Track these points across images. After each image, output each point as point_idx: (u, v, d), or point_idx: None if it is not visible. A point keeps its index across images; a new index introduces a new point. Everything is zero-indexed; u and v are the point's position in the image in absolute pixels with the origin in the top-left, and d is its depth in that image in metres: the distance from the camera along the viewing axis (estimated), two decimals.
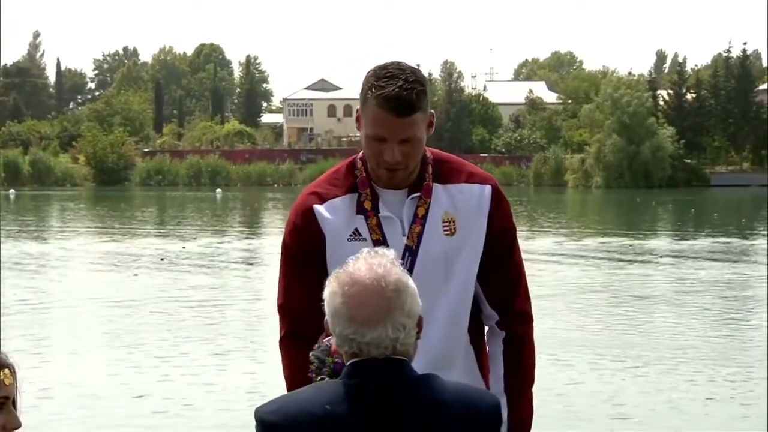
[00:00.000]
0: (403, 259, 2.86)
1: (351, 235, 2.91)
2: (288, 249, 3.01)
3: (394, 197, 2.93)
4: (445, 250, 2.90)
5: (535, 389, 2.88)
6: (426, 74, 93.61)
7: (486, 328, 3.09)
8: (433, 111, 2.94)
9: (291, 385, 2.96)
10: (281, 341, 3.04)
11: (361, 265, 2.35)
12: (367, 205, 2.93)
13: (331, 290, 2.37)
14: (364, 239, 2.89)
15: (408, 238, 2.90)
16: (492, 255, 2.95)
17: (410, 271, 2.77)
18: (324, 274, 2.88)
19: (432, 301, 2.80)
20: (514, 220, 3.08)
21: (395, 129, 2.81)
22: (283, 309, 3.03)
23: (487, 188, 2.98)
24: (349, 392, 2.31)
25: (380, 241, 2.89)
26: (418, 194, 2.92)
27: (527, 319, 3.03)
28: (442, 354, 2.88)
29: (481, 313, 3.04)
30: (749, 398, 9.19)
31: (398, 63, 2.88)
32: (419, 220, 2.91)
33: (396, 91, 2.79)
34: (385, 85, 2.81)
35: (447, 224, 2.92)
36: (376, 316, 2.31)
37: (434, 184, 2.95)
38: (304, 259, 2.96)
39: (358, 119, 2.92)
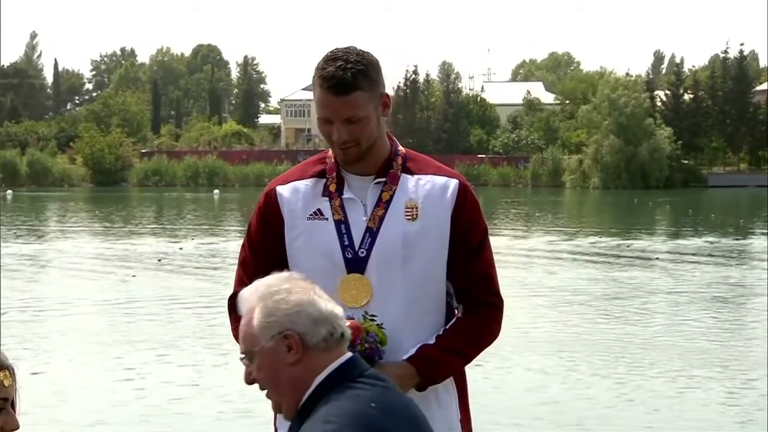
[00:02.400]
0: (363, 239, 2.95)
1: (312, 215, 2.99)
2: (249, 229, 3.11)
3: (360, 183, 3.00)
4: (404, 233, 2.94)
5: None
6: (424, 75, 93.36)
7: None
8: (387, 93, 2.98)
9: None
10: (232, 305, 3.07)
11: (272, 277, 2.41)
12: (332, 187, 3.00)
13: (267, 300, 2.30)
14: (326, 219, 2.97)
15: (370, 220, 2.96)
16: (460, 251, 2.99)
17: (369, 251, 2.92)
18: (282, 256, 3.02)
19: (389, 279, 2.92)
20: (489, 219, 3.16)
21: (336, 109, 2.89)
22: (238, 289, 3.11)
23: (454, 182, 3.02)
24: (386, 391, 2.30)
25: (342, 221, 2.96)
26: (384, 179, 2.99)
27: (492, 308, 3.03)
28: (400, 331, 2.92)
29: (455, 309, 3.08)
30: (749, 401, 9.08)
31: (348, 47, 2.96)
32: (383, 204, 2.97)
33: (333, 71, 2.87)
34: (326, 66, 2.90)
35: (409, 210, 2.97)
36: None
37: (402, 174, 3.01)
38: (264, 241, 3.05)
39: None
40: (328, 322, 2.29)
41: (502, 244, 24.34)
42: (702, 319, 13.77)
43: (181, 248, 24.78)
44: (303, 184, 3.04)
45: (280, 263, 3.01)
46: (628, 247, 25.21)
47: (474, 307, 3.00)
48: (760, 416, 8.44)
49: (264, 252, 3.04)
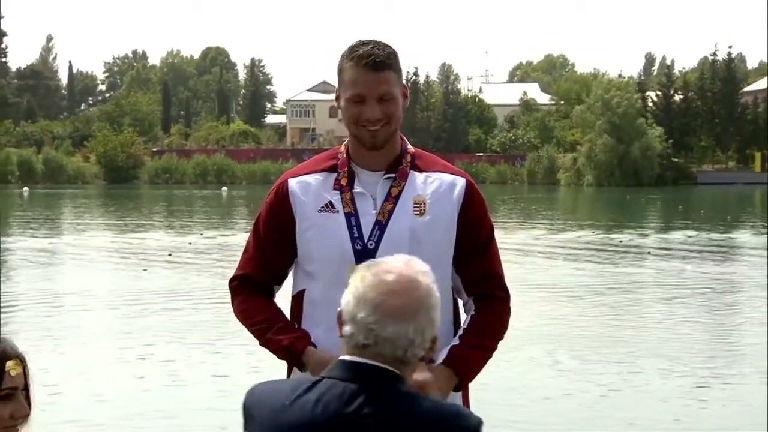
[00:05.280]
0: (372, 232, 2.95)
1: (323, 207, 2.98)
2: (258, 219, 3.10)
3: (370, 177, 3.00)
4: (413, 228, 2.94)
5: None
6: (424, 77, 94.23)
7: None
8: (406, 84, 3.05)
9: (251, 319, 3.06)
10: (233, 287, 3.14)
11: (399, 260, 2.25)
12: (344, 181, 2.99)
13: (360, 274, 2.23)
14: (336, 211, 2.96)
15: (379, 213, 2.95)
16: (468, 247, 3.01)
17: (377, 243, 2.93)
18: (288, 249, 3.04)
19: None
20: (491, 216, 3.12)
21: (372, 85, 2.90)
22: (239, 276, 3.13)
23: (461, 180, 3.03)
24: (327, 389, 2.15)
25: (352, 214, 2.95)
26: (393, 175, 2.99)
27: (502, 302, 3.07)
28: None
29: (463, 305, 3.11)
30: (745, 397, 8.72)
31: (369, 39, 3.01)
32: (392, 199, 2.97)
33: (368, 50, 2.92)
34: (359, 49, 2.94)
35: (417, 205, 2.97)
36: (404, 310, 2.16)
37: (411, 171, 3.02)
38: (269, 231, 3.05)
39: (337, 98, 3.01)
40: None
41: (499, 239, 23.88)
42: (692, 311, 13.56)
43: (190, 243, 24.71)
44: (314, 178, 3.02)
45: (283, 253, 3.05)
46: (620, 242, 25.21)
47: (486, 302, 3.03)
48: (760, 414, 8.07)
49: (268, 241, 3.05)
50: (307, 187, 3.02)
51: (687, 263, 20.15)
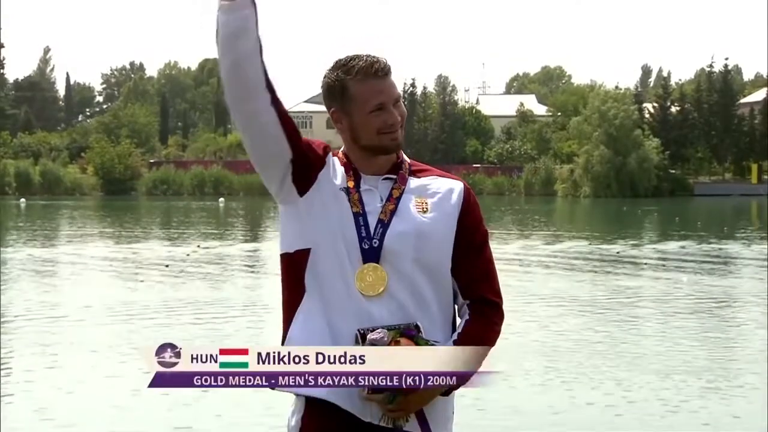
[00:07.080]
0: (375, 230, 2.96)
1: (341, 190, 3.00)
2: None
3: (372, 180, 3.02)
4: (417, 224, 2.96)
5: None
6: (421, 88, 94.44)
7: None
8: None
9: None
10: None
11: None
12: (350, 184, 3.00)
13: None
14: (347, 207, 2.97)
15: (381, 212, 2.96)
16: (463, 250, 3.02)
17: (381, 241, 2.93)
18: (287, 150, 2.94)
19: (401, 269, 2.95)
20: (487, 225, 3.15)
21: (388, 89, 2.92)
22: None
23: (459, 184, 3.07)
24: None
25: (360, 213, 2.96)
26: (394, 177, 3.02)
27: (495, 307, 3.06)
28: (411, 320, 2.93)
29: (458, 309, 3.10)
30: (744, 410, 8.67)
31: (353, 54, 2.98)
32: (393, 200, 2.99)
33: (369, 59, 2.92)
34: (356, 62, 2.92)
35: (420, 204, 2.99)
36: None
37: (409, 177, 3.04)
38: (297, 139, 2.98)
39: (338, 119, 3.00)
40: None
41: (495, 250, 23.25)
42: (689, 323, 13.58)
43: (188, 254, 24.76)
44: (339, 168, 3.03)
45: (285, 144, 2.96)
46: (617, 253, 25.34)
47: (479, 308, 3.03)
48: (759, 427, 8.06)
49: (295, 135, 2.97)
50: (336, 172, 3.01)
51: (683, 275, 20.19)
